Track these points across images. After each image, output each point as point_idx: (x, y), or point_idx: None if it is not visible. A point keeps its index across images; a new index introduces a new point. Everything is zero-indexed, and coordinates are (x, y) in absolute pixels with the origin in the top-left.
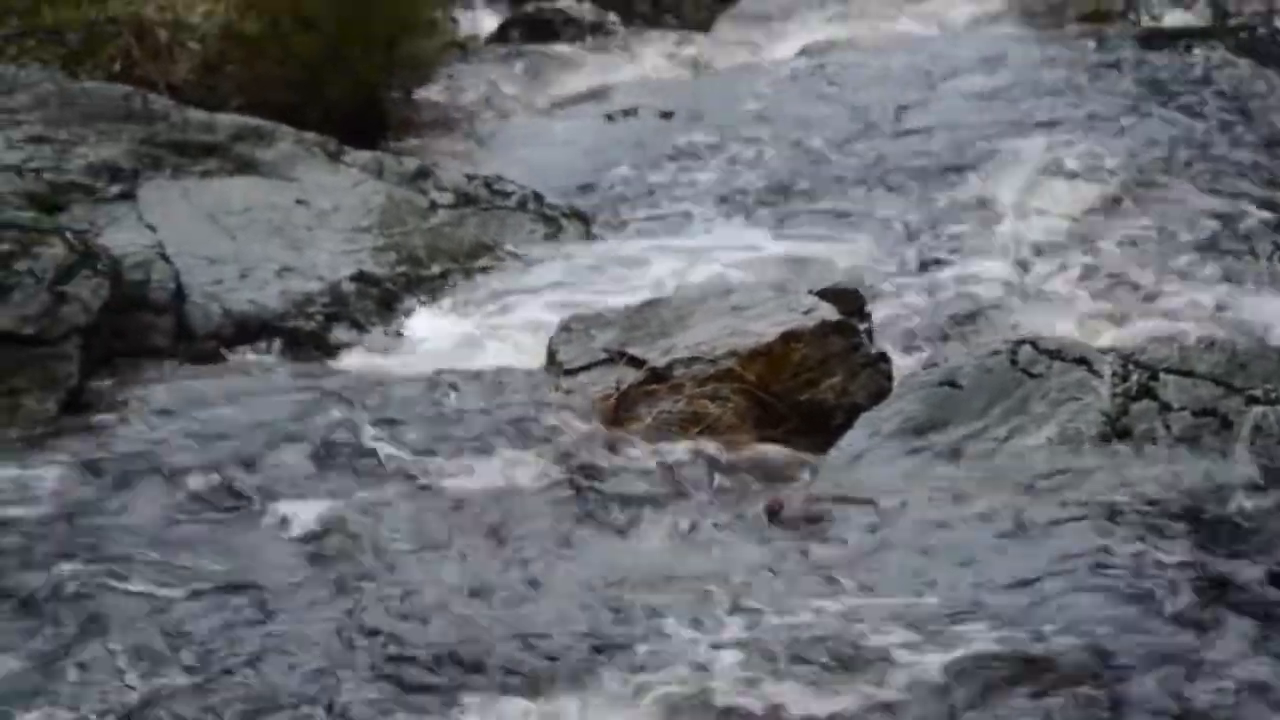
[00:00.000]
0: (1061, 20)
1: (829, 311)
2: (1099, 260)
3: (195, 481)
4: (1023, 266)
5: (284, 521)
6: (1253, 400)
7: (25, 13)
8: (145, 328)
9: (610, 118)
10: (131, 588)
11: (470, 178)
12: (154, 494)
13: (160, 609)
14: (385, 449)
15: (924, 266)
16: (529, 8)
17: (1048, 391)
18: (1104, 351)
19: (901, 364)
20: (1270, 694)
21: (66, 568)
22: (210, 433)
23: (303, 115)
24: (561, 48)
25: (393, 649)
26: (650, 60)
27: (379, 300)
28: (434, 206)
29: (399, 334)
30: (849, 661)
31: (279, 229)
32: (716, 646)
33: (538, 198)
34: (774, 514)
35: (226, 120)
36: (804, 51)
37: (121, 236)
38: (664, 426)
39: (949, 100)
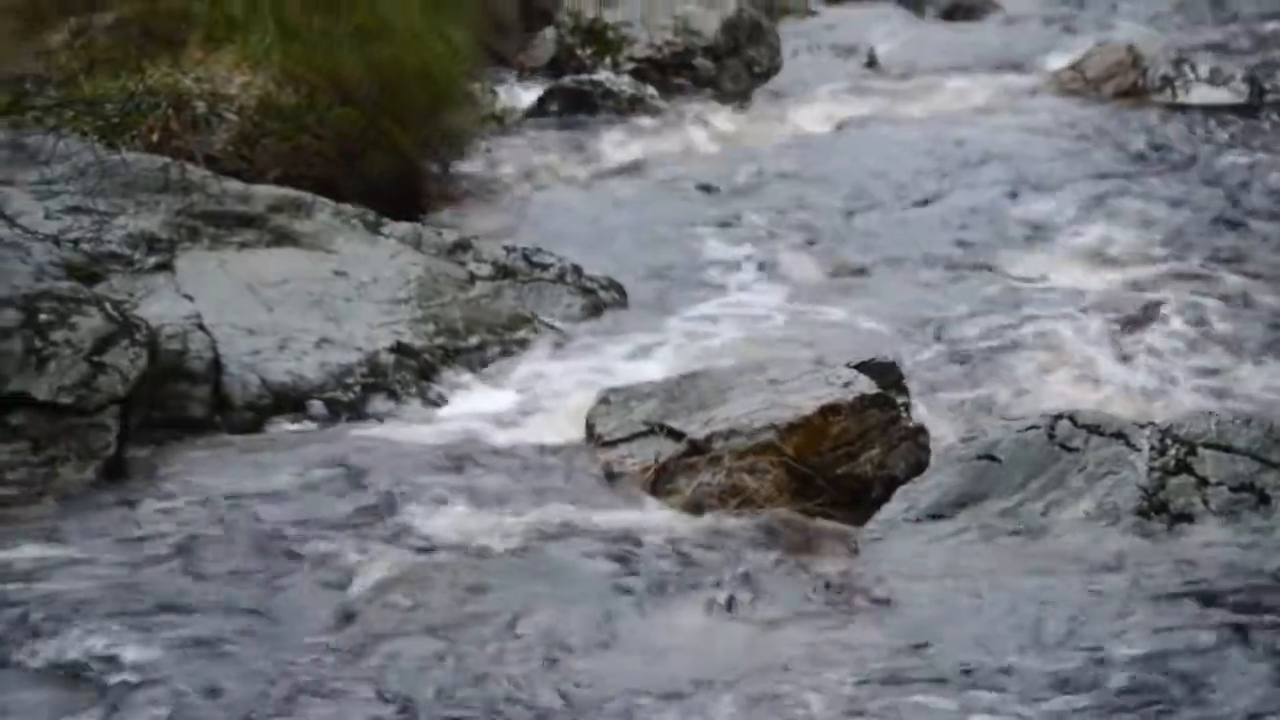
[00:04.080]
0: (1099, 95)
1: (867, 385)
2: (1135, 335)
3: (232, 551)
4: (1060, 341)
5: (320, 592)
6: None
7: (63, 84)
8: (183, 398)
9: (649, 191)
10: (167, 655)
11: (509, 250)
12: (192, 564)
13: (195, 675)
14: (422, 521)
15: (962, 339)
16: (567, 81)
17: (1085, 466)
18: (1141, 426)
19: (939, 437)
20: None
21: (102, 637)
22: (248, 503)
23: (341, 187)
24: (600, 121)
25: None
26: (689, 133)
27: (417, 371)
28: (472, 278)
29: (437, 405)
30: None
31: (317, 300)
32: None
33: (576, 270)
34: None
35: (264, 191)
36: (842, 125)
37: (159, 307)
38: (703, 499)
39: (986, 174)
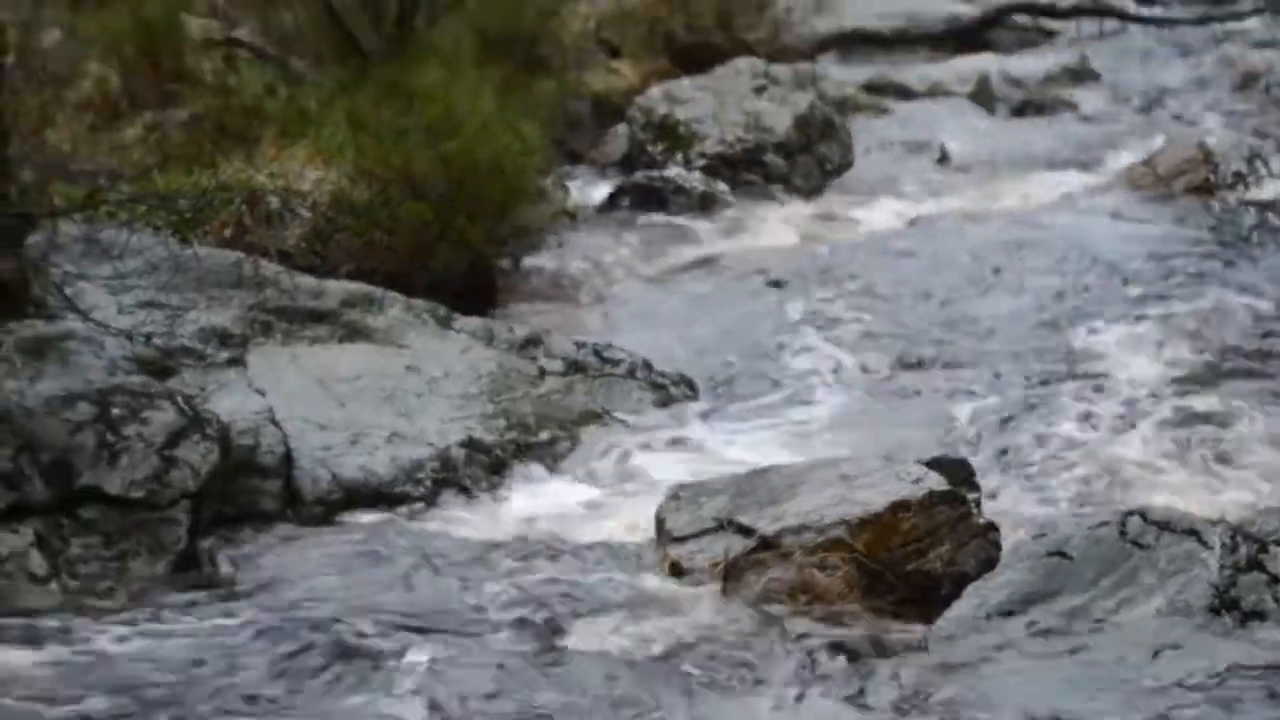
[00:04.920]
0: (1170, 191)
1: (937, 481)
2: (1207, 432)
3: (305, 646)
4: (1128, 437)
5: (392, 686)
6: None
7: (137, 178)
8: (254, 492)
9: (720, 286)
10: None
11: (579, 345)
12: (263, 658)
13: None
14: (493, 616)
15: (1031, 435)
16: (639, 176)
17: (1157, 563)
18: (1212, 523)
19: (1010, 533)
20: None
21: None
22: (319, 598)
23: (412, 282)
24: (671, 216)
25: None
26: (759, 229)
27: (488, 467)
28: (543, 373)
29: (507, 500)
30: None
31: (389, 395)
32: None
33: (647, 365)
34: None
35: (336, 287)
36: (913, 222)
37: (231, 402)
38: (773, 595)
39: (1055, 271)
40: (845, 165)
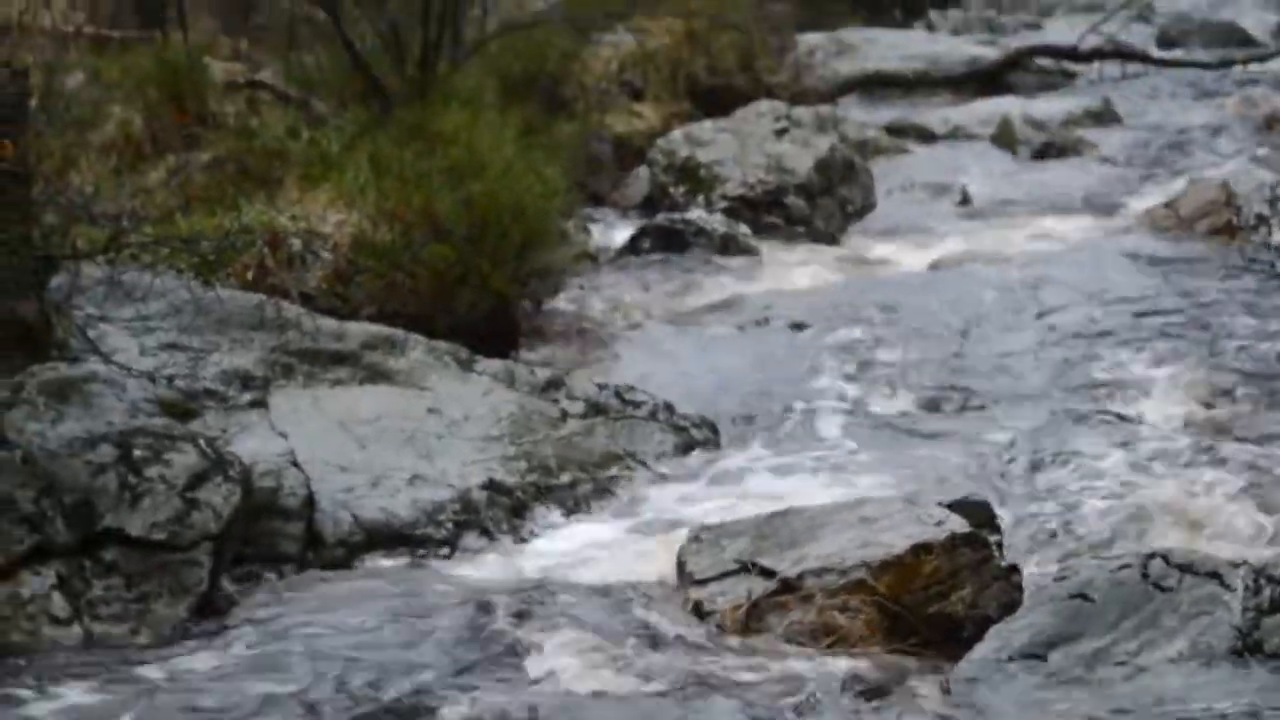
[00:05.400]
0: (1192, 234)
1: (959, 524)
2: (1229, 473)
3: (327, 689)
4: (1150, 479)
5: None
6: None
7: (160, 221)
8: (276, 534)
9: (741, 329)
10: None
11: (601, 387)
12: (285, 700)
13: None
14: (513, 661)
15: (1053, 477)
16: (660, 219)
17: (1179, 605)
18: (1235, 565)
19: (1031, 574)
20: None
21: None
22: (341, 640)
23: (434, 324)
24: (693, 259)
25: None
26: (781, 271)
27: (509, 509)
28: (565, 416)
29: (529, 542)
30: None
31: (410, 437)
32: None
33: (668, 408)
34: None
35: (358, 329)
36: (935, 264)
37: (253, 444)
38: (795, 637)
39: (1077, 313)
40: (867, 207)
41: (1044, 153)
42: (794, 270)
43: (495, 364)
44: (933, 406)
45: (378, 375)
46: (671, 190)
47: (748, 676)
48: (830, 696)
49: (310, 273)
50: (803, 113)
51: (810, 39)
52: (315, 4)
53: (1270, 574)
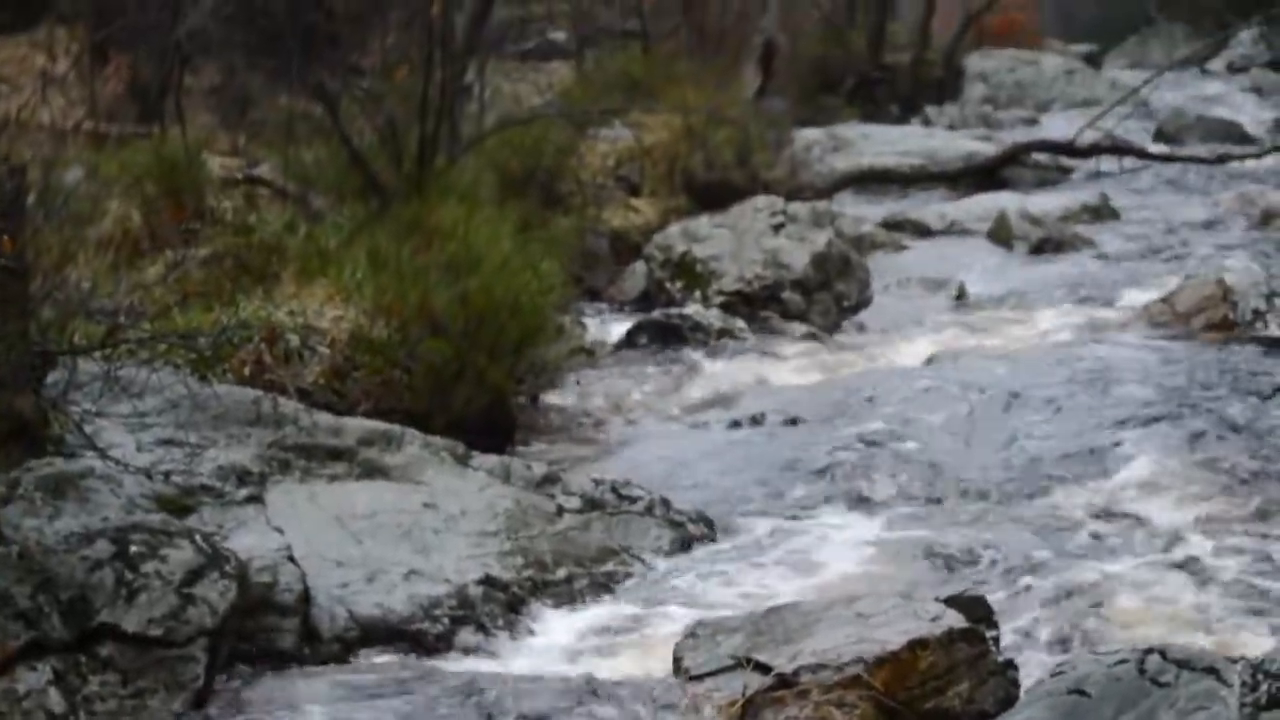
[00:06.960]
0: (1189, 329)
1: (955, 619)
2: (1222, 571)
3: None
4: (1146, 575)
5: None
6: None
7: (157, 316)
8: (272, 630)
9: (737, 424)
10: None
11: (597, 482)
12: None
13: None
14: None
15: (1049, 572)
16: (657, 314)
17: (1176, 701)
18: (1232, 661)
19: (1028, 670)
20: None
21: None
22: None
23: (430, 419)
24: (689, 353)
25: None
26: (777, 366)
27: (505, 604)
28: (561, 511)
29: (525, 638)
30: None
31: (406, 532)
32: None
33: (664, 503)
34: None
35: (354, 424)
36: (931, 359)
37: (249, 539)
38: None
39: (1072, 409)
40: (863, 302)
41: (1041, 248)
42: (790, 365)
43: (491, 459)
44: (928, 501)
45: (374, 470)
46: (668, 285)
47: None
48: None
49: (307, 368)
50: (799, 208)
51: (807, 134)
52: (313, 99)
53: (1267, 670)
